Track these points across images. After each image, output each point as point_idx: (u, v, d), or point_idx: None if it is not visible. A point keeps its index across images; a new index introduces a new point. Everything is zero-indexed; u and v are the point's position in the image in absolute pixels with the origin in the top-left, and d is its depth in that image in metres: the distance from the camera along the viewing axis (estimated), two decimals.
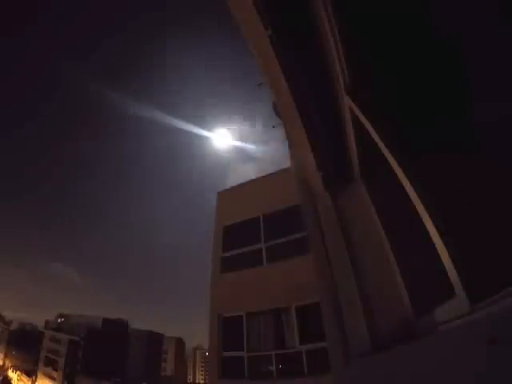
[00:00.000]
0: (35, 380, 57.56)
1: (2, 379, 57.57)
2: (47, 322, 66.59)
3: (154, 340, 72.14)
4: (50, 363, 56.21)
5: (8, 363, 63.61)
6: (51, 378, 55.12)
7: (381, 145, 1.80)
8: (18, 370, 61.12)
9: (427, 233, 1.42)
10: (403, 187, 1.60)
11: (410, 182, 1.54)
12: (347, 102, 2.30)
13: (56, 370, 55.05)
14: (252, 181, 11.54)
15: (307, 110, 2.71)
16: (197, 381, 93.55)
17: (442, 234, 1.33)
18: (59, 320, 65.57)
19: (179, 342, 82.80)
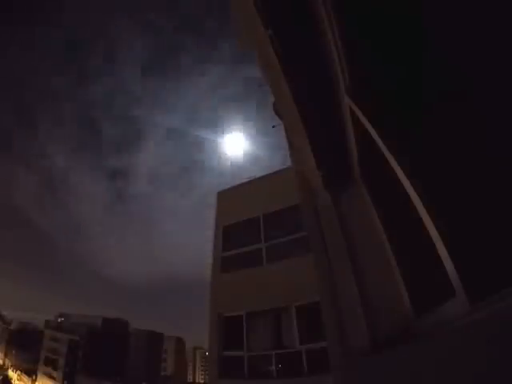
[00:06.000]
0: (35, 379, 57.59)
1: (2, 379, 57.54)
2: (47, 322, 66.60)
3: (154, 340, 72.14)
4: (50, 363, 56.25)
5: (8, 363, 63.65)
6: (51, 377, 55.18)
7: (381, 145, 1.80)
8: (18, 369, 61.13)
9: (427, 233, 1.42)
10: (403, 187, 1.60)
11: (410, 182, 1.54)
12: (347, 102, 2.30)
13: (56, 370, 55.11)
14: (252, 181, 11.52)
15: (307, 110, 2.71)
16: (197, 380, 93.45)
17: (442, 234, 1.33)
18: (59, 319, 65.65)
19: (179, 342, 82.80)
